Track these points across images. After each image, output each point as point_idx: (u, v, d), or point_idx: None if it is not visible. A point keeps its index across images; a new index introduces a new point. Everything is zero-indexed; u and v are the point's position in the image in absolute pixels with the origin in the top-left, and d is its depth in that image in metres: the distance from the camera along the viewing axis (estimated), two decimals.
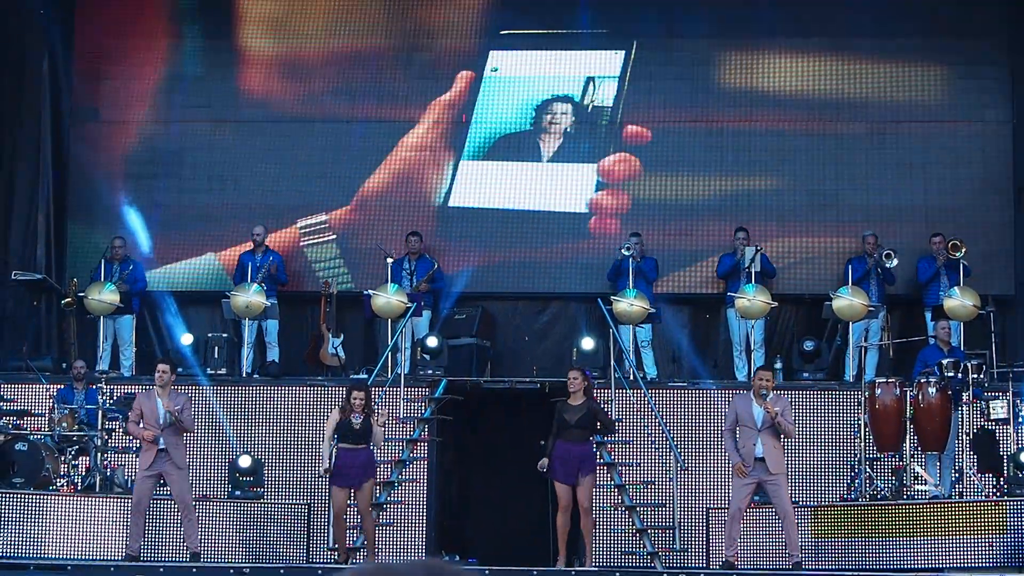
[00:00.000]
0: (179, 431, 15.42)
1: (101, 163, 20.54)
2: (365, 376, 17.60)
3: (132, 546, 15.43)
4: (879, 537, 15.82)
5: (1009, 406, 16.32)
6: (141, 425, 15.40)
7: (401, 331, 17.86)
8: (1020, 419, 16.39)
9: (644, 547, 16.22)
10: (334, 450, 15.55)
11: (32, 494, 16.27)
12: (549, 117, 20.40)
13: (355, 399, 15.33)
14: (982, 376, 16.63)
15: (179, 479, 15.44)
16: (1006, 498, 15.84)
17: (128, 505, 15.82)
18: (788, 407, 15.26)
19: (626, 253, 18.68)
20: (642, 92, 20.35)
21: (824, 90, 20.19)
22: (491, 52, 20.51)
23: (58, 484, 16.75)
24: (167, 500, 16.02)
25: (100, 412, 17.02)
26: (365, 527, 15.54)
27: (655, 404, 16.97)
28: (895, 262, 18.65)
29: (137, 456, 16.59)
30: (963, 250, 18.45)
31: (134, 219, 20.07)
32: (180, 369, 17.95)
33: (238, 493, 16.88)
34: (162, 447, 15.35)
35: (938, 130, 20.05)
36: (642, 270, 18.84)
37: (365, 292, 18.59)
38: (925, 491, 16.41)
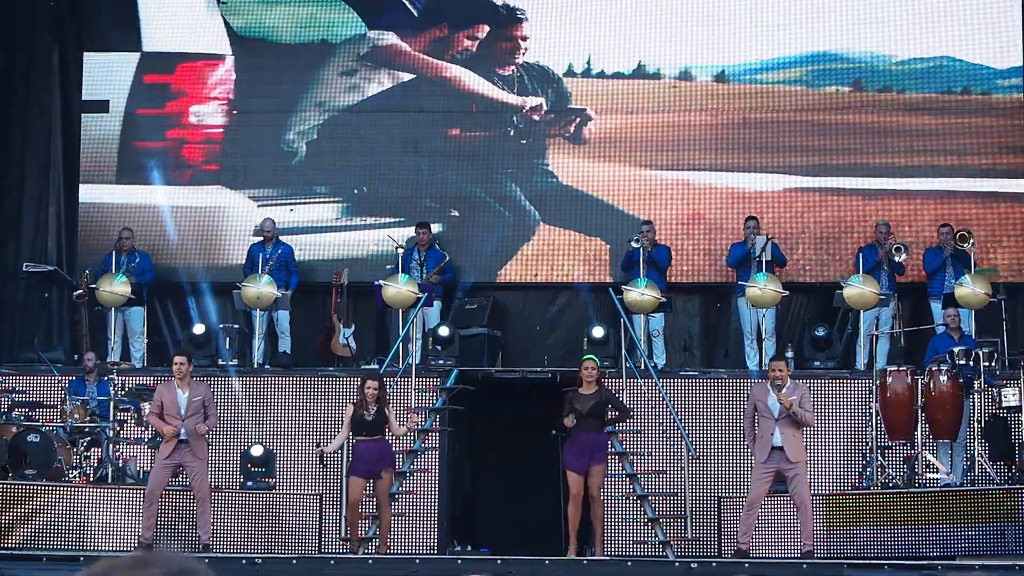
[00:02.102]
0: (200, 421, 15.50)
1: (110, 156, 20.56)
2: (376, 366, 17.60)
3: (145, 535, 15.48)
4: (891, 525, 15.81)
5: (1021, 393, 16.30)
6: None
7: (412, 321, 17.86)
8: None
9: (656, 536, 16.22)
10: (353, 443, 15.62)
11: (44, 485, 16.29)
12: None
13: (368, 388, 15.39)
14: (993, 364, 16.62)
15: (198, 469, 15.52)
16: (1018, 486, 15.82)
17: (140, 495, 15.85)
18: (806, 396, 15.25)
19: (635, 245, 18.68)
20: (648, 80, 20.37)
21: (832, 79, 20.17)
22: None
23: (70, 475, 16.77)
24: (181, 491, 16.04)
25: (112, 403, 17.04)
26: (382, 517, 15.58)
27: (666, 393, 16.96)
28: (904, 256, 18.63)
29: (150, 447, 16.64)
30: (971, 240, 18.41)
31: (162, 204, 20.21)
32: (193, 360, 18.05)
33: (250, 484, 16.90)
34: (183, 438, 15.42)
35: (947, 117, 20.00)
36: (654, 259, 18.84)
37: (376, 282, 18.59)
38: (937, 479, 16.40)
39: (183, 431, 15.43)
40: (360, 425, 15.40)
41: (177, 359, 15.76)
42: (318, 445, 15.84)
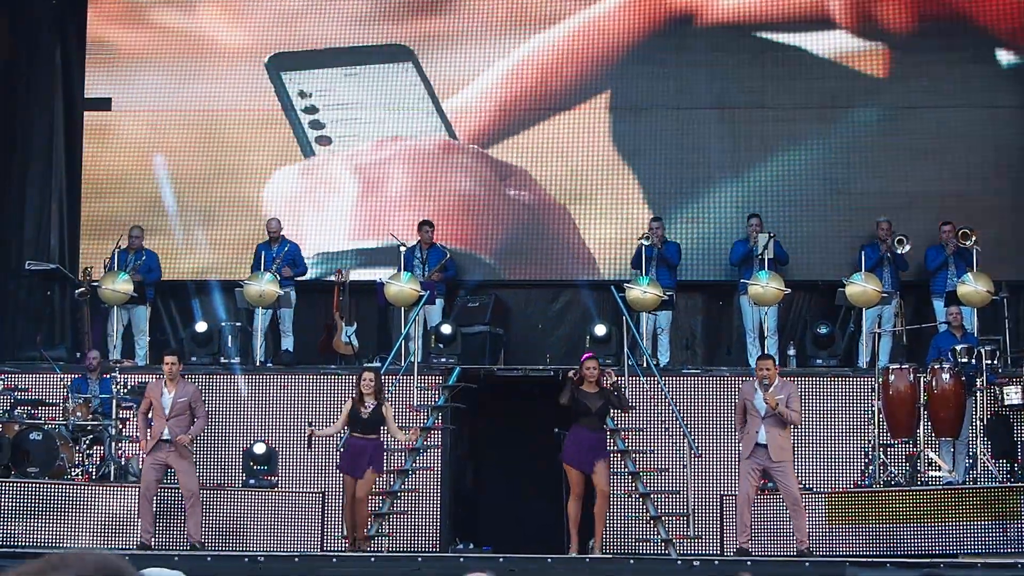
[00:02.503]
0: (185, 422, 15.50)
1: (114, 152, 20.59)
2: (378, 364, 17.61)
3: (144, 535, 15.49)
4: (893, 524, 15.81)
5: (1023, 392, 16.28)
6: (150, 416, 15.56)
7: (414, 319, 17.86)
8: None
9: (658, 534, 16.21)
10: (346, 439, 15.60)
11: (47, 483, 16.31)
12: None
13: (363, 381, 15.39)
14: (996, 362, 16.62)
15: (185, 469, 15.53)
16: (1020, 484, 15.82)
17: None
18: (794, 394, 15.23)
19: (645, 243, 18.65)
20: (656, 77, 20.36)
21: (837, 74, 20.17)
22: None
23: (72, 473, 16.79)
24: (179, 489, 16.04)
25: (114, 401, 17.05)
26: (358, 513, 15.54)
27: (668, 391, 16.95)
28: (907, 247, 18.63)
29: None
30: (973, 238, 18.39)
31: (165, 186, 20.22)
32: (194, 358, 18.08)
33: (252, 482, 16.90)
34: (166, 438, 15.43)
35: (950, 115, 20.01)
36: (664, 256, 18.82)
37: (378, 280, 18.59)
38: (939, 477, 16.40)
39: (166, 431, 15.44)
40: (356, 421, 15.37)
41: (168, 359, 15.77)
42: (310, 424, 15.80)
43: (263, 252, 19.12)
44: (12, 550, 15.60)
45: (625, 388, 16.73)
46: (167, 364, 15.68)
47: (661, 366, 18.03)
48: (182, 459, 15.50)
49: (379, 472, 15.67)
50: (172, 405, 15.48)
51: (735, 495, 16.29)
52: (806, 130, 20.14)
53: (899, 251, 18.57)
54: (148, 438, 15.59)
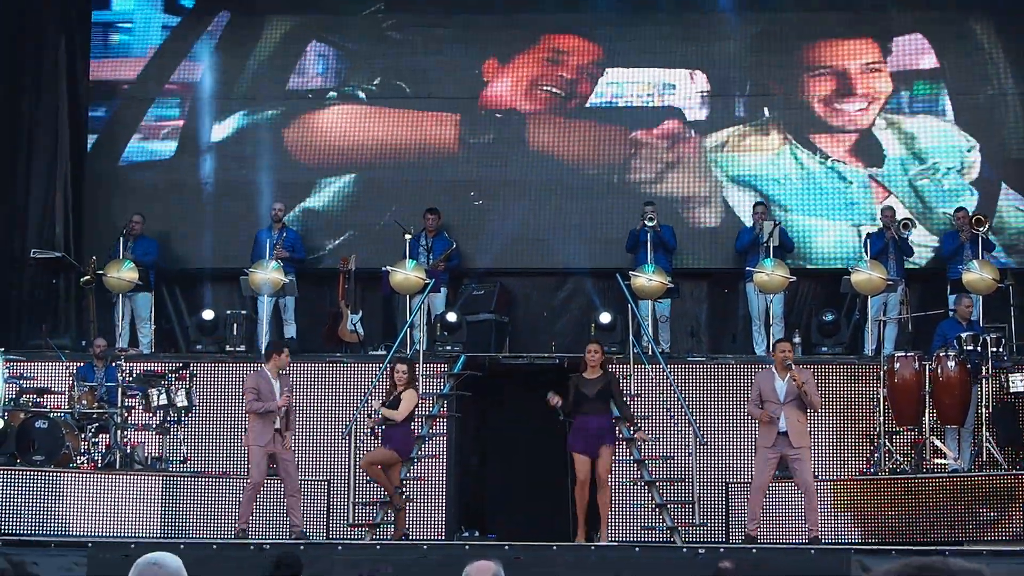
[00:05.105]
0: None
1: (117, 143, 20.62)
2: (384, 352, 17.60)
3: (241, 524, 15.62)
4: (898, 511, 15.82)
5: None
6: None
7: (419, 308, 17.85)
8: None
9: (663, 522, 16.21)
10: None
11: (52, 472, 16.32)
12: None
13: (397, 372, 15.43)
14: (1001, 350, 16.61)
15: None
16: None
17: (147, 483, 15.90)
18: (811, 380, 15.25)
19: (649, 224, 18.58)
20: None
21: (837, 62, 20.20)
22: None
23: (78, 462, 16.79)
24: (189, 477, 16.07)
25: (120, 390, 17.06)
26: (393, 505, 15.67)
27: (673, 379, 16.93)
28: (912, 231, 18.62)
29: (158, 434, 16.79)
30: (986, 225, 18.37)
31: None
32: (199, 346, 18.06)
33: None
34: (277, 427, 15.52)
35: (957, 102, 20.01)
36: (662, 240, 18.78)
37: (383, 268, 18.59)
38: (944, 465, 16.40)
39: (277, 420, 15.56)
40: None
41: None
42: (384, 404, 15.67)
43: (266, 238, 19.07)
44: (18, 537, 15.61)
45: (631, 376, 16.76)
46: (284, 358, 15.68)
47: (664, 353, 18.01)
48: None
49: (398, 451, 15.58)
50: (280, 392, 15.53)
51: (740, 482, 16.33)
52: (808, 117, 20.17)
53: (906, 235, 18.54)
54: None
